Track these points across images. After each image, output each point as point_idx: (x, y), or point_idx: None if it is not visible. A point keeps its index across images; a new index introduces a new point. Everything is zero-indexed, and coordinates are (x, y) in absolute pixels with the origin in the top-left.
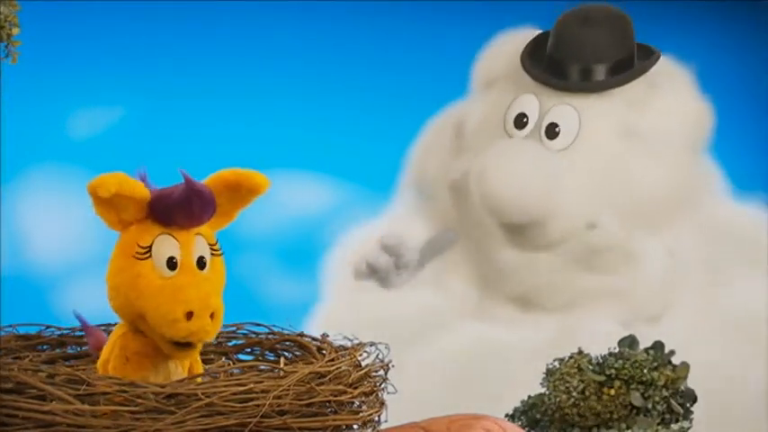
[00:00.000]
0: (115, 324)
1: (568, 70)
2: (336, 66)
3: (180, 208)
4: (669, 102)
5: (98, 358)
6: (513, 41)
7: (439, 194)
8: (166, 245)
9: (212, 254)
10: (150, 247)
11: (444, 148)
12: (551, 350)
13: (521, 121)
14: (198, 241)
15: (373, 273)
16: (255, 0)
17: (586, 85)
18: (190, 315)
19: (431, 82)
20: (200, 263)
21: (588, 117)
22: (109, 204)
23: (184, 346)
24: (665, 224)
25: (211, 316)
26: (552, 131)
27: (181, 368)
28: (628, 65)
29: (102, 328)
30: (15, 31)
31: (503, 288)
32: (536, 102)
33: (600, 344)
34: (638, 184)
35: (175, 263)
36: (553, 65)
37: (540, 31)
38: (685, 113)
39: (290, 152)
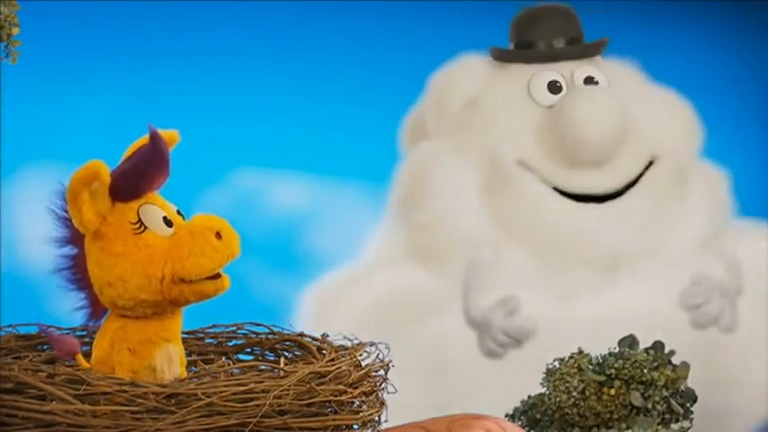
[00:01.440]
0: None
1: (535, 46)
2: (333, 65)
3: (155, 165)
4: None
5: (74, 362)
6: (467, 63)
7: (458, 208)
8: (152, 210)
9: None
10: (140, 220)
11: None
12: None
13: (555, 87)
14: (163, 199)
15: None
16: (253, 0)
17: (553, 51)
18: (219, 235)
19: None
20: (180, 213)
21: (609, 73)
22: (90, 197)
23: (219, 277)
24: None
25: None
26: (591, 82)
27: (180, 349)
28: (581, 41)
29: (80, 330)
30: (15, 31)
31: (587, 252)
32: (555, 72)
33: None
34: (669, 121)
35: (169, 220)
36: (521, 46)
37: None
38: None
39: (289, 152)
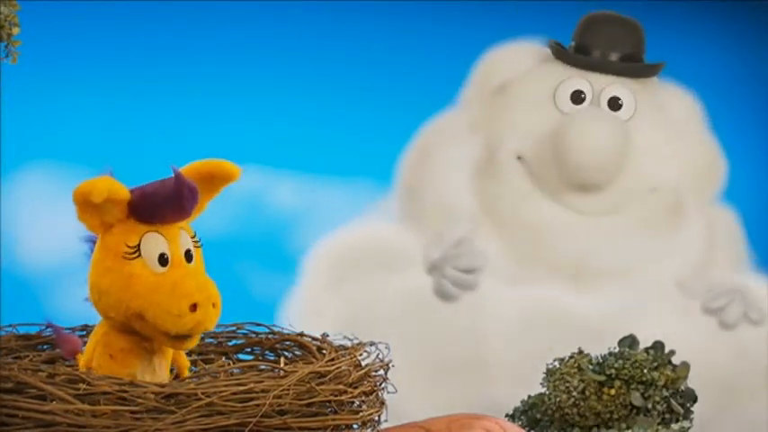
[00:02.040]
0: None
1: (591, 54)
2: (331, 65)
3: (170, 204)
4: (677, 94)
5: (76, 363)
6: (517, 48)
7: (448, 186)
8: (155, 242)
9: (194, 246)
10: (138, 246)
11: (456, 144)
12: (621, 314)
13: (578, 97)
14: (182, 235)
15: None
16: (252, 0)
17: (608, 64)
18: (194, 307)
19: (428, 83)
20: (188, 256)
21: (639, 96)
22: (94, 208)
23: (184, 338)
24: (701, 196)
25: (213, 305)
26: (615, 104)
27: (165, 361)
28: (639, 60)
29: (79, 330)
30: (15, 30)
31: (552, 257)
32: (587, 82)
33: (661, 304)
34: (688, 157)
35: (166, 259)
36: (578, 50)
37: (549, 40)
38: (692, 103)
39: (290, 152)
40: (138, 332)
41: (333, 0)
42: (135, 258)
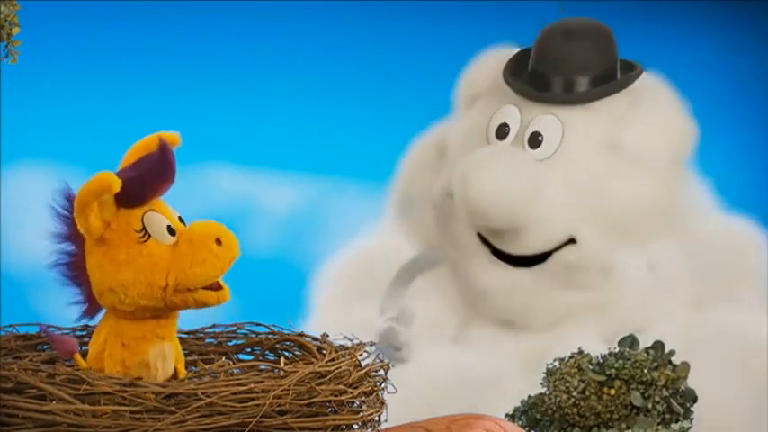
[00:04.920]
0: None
1: (551, 82)
2: (329, 68)
3: (161, 177)
4: (652, 116)
5: (73, 362)
6: (496, 58)
7: (423, 216)
8: (156, 218)
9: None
10: (144, 228)
11: (427, 168)
12: (536, 368)
13: (502, 131)
14: (167, 204)
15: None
16: (253, 0)
17: (568, 96)
18: (218, 241)
19: (425, 87)
20: (181, 221)
21: (571, 128)
22: (98, 206)
23: (218, 288)
24: (646, 239)
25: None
26: (535, 140)
27: (175, 349)
28: (610, 78)
29: (80, 330)
30: (15, 30)
31: (484, 310)
32: (517, 112)
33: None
34: (619, 198)
35: (173, 228)
36: (536, 78)
37: (521, 48)
38: (668, 128)
39: (290, 152)
40: (158, 315)
41: (334, 0)
42: (147, 240)
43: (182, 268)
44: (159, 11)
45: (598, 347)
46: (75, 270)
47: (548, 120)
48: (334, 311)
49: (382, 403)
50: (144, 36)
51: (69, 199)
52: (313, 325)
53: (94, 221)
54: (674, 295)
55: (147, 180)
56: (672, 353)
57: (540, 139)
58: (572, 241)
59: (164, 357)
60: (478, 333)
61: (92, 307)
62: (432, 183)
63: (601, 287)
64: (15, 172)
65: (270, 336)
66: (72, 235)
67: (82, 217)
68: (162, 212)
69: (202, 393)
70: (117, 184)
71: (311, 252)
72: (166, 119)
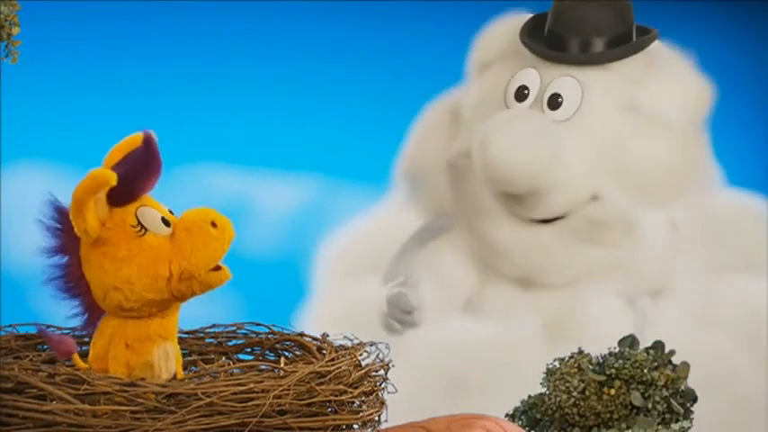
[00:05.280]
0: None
1: (568, 43)
2: (328, 67)
3: (148, 172)
4: (669, 79)
5: (72, 363)
6: (509, 23)
7: (435, 181)
8: (149, 212)
9: None
10: (139, 222)
11: (441, 133)
12: (558, 330)
13: (521, 94)
14: (155, 199)
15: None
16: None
17: (585, 56)
18: (214, 224)
19: (423, 76)
20: (171, 213)
21: (590, 89)
22: (94, 203)
23: (218, 269)
24: (666, 199)
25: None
26: (555, 102)
27: (175, 348)
28: (626, 40)
29: (67, 331)
30: (15, 30)
31: (502, 268)
32: (537, 75)
33: (606, 319)
34: (640, 158)
35: (166, 220)
36: (553, 39)
37: (534, 14)
38: (685, 90)
39: (285, 152)
40: (164, 308)
41: (334, 0)
42: (144, 233)
43: (183, 256)
44: (159, 11)
45: (619, 305)
46: (71, 281)
47: (567, 81)
48: (336, 291)
49: (382, 403)
50: (144, 36)
51: (58, 210)
52: (316, 306)
53: (92, 220)
54: (693, 256)
55: (135, 176)
56: (672, 353)
57: (559, 100)
58: (594, 199)
59: (167, 357)
60: (494, 294)
61: (93, 316)
62: (444, 148)
63: (622, 244)
64: (15, 172)
65: (270, 336)
66: (63, 246)
67: (79, 217)
68: (153, 206)
69: (202, 393)
70: (113, 178)
71: (311, 252)
72: (166, 119)
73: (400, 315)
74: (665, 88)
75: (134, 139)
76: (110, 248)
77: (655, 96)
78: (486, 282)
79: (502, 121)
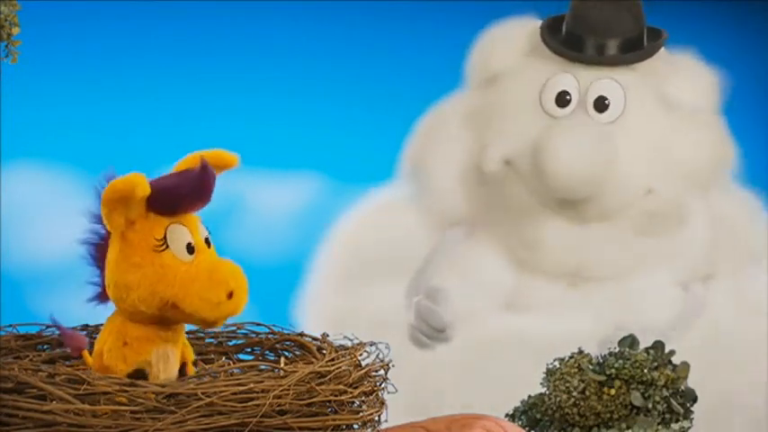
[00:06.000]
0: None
1: (584, 44)
2: (328, 67)
3: (196, 194)
4: (687, 73)
5: (81, 359)
6: (513, 31)
7: (440, 183)
8: (180, 233)
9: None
10: (165, 238)
11: (448, 136)
12: (615, 322)
13: (563, 99)
14: (199, 223)
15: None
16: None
17: (601, 59)
18: (231, 295)
19: (423, 79)
20: (207, 242)
21: (631, 89)
22: (124, 206)
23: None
24: (710, 190)
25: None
26: (602, 104)
27: (178, 350)
28: (638, 44)
29: (79, 329)
30: (15, 30)
31: (546, 266)
32: (574, 79)
33: (665, 307)
34: (686, 152)
35: (193, 247)
36: (570, 39)
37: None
38: (703, 81)
39: (291, 153)
40: (157, 322)
41: (334, 0)
42: (164, 250)
43: (186, 292)
44: (159, 11)
45: (675, 293)
46: (99, 252)
47: (608, 83)
48: (336, 290)
49: (382, 403)
50: (144, 36)
51: None
52: (316, 306)
53: (117, 218)
54: (736, 246)
55: (179, 193)
56: (672, 353)
57: (606, 102)
58: (649, 192)
59: (166, 360)
60: (538, 291)
61: (105, 293)
62: (451, 151)
63: (675, 234)
64: (15, 172)
65: (270, 336)
66: None
67: (105, 210)
68: (189, 228)
69: (202, 393)
70: (142, 189)
71: (310, 252)
72: (166, 119)
73: (430, 331)
74: (687, 82)
75: (195, 158)
76: (128, 249)
77: (680, 90)
78: (528, 280)
79: (561, 130)
